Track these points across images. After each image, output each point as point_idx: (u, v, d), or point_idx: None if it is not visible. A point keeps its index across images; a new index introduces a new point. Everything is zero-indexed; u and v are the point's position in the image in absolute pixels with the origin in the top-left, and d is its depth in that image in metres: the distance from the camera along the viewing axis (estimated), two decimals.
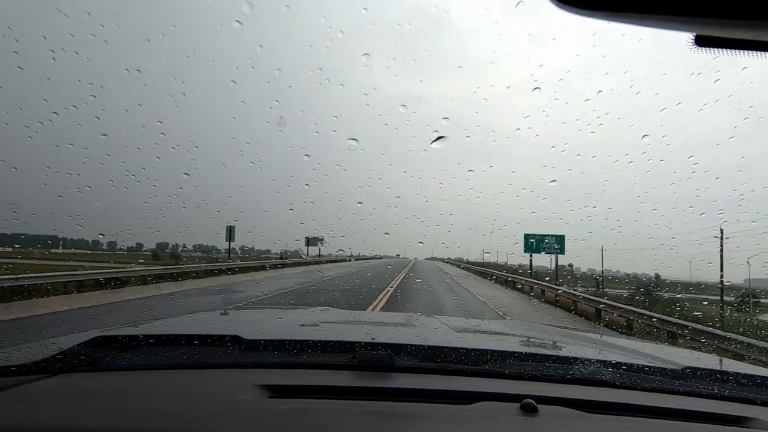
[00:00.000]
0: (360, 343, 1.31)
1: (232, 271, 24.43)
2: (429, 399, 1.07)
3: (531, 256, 29.73)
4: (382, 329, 1.91)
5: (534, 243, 29.08)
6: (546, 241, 28.91)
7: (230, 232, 30.98)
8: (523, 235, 28.64)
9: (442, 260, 70.90)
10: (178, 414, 0.95)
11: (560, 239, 29.03)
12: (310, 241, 46.25)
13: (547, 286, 19.44)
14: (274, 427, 0.92)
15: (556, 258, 29.45)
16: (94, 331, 1.45)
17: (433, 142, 5.18)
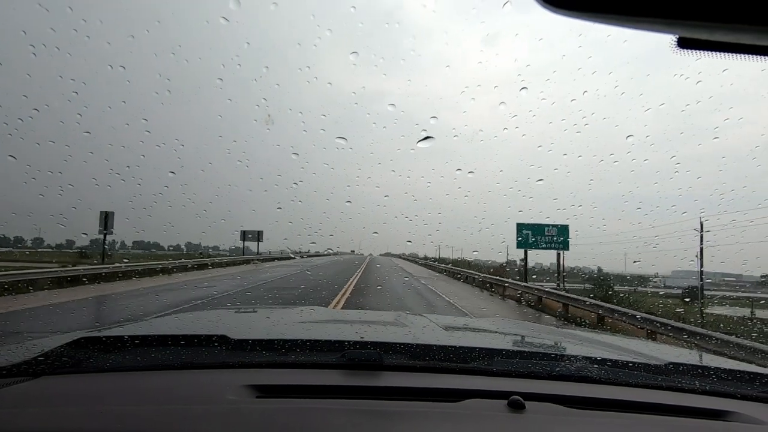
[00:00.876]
0: (349, 342, 1.31)
1: (120, 276, 17.28)
2: (418, 397, 1.07)
3: (525, 253, 23.06)
4: (371, 328, 1.91)
5: (529, 236, 22.70)
6: (546, 232, 22.62)
7: (105, 220, 20.95)
8: (515, 226, 22.45)
9: (399, 257, 66.17)
10: (165, 415, 0.93)
11: (563, 230, 22.43)
12: (246, 236, 38.12)
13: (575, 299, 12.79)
14: (263, 427, 0.92)
15: (559, 256, 22.68)
16: (77, 332, 1.42)
17: (420, 141, 5.16)
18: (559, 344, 1.88)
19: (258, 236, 38.82)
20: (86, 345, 1.28)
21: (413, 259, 54.46)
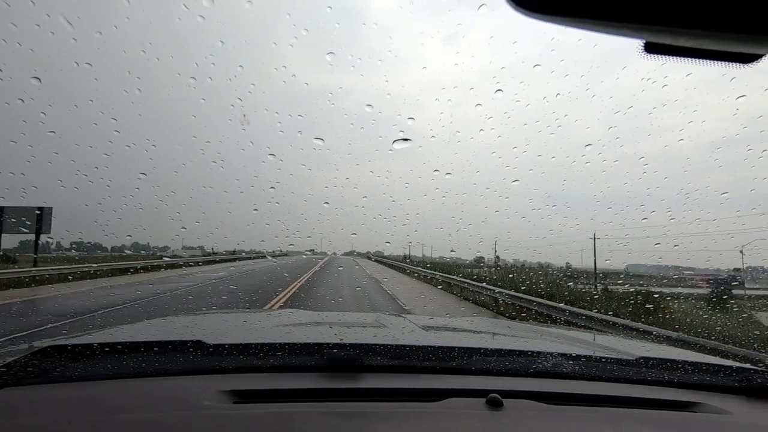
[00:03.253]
0: (328, 344, 1.30)
1: None
2: (398, 398, 1.08)
3: None
4: (350, 330, 1.91)
5: None
6: None
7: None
8: None
9: (363, 256, 58.29)
10: (139, 424, 0.91)
11: None
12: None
13: None
14: None
15: None
16: (43, 341, 1.36)
17: (396, 141, 5.12)
18: (535, 342, 1.92)
19: (38, 218, 18.80)
20: (53, 354, 1.23)
21: (366, 257, 45.30)
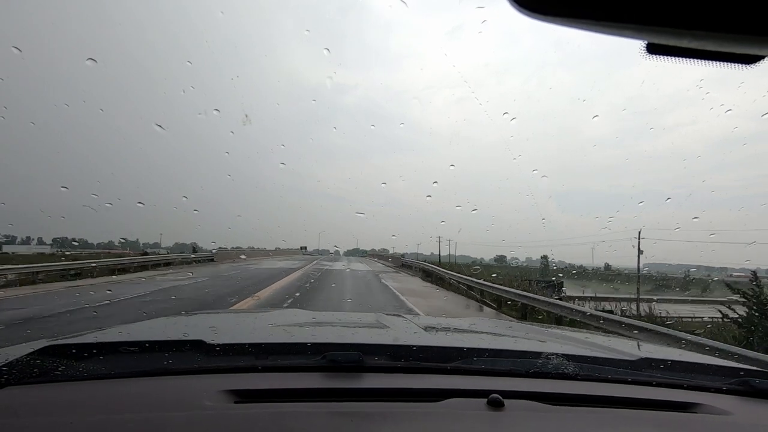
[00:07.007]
0: (329, 344, 1.30)
1: None
2: (399, 398, 1.08)
3: None
4: (352, 330, 1.91)
5: None
6: None
7: None
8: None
9: (383, 258, 47.69)
10: (140, 424, 0.91)
11: None
12: None
13: None
14: None
15: None
16: (44, 340, 1.37)
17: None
18: (537, 342, 1.92)
19: None
20: (55, 353, 1.23)
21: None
